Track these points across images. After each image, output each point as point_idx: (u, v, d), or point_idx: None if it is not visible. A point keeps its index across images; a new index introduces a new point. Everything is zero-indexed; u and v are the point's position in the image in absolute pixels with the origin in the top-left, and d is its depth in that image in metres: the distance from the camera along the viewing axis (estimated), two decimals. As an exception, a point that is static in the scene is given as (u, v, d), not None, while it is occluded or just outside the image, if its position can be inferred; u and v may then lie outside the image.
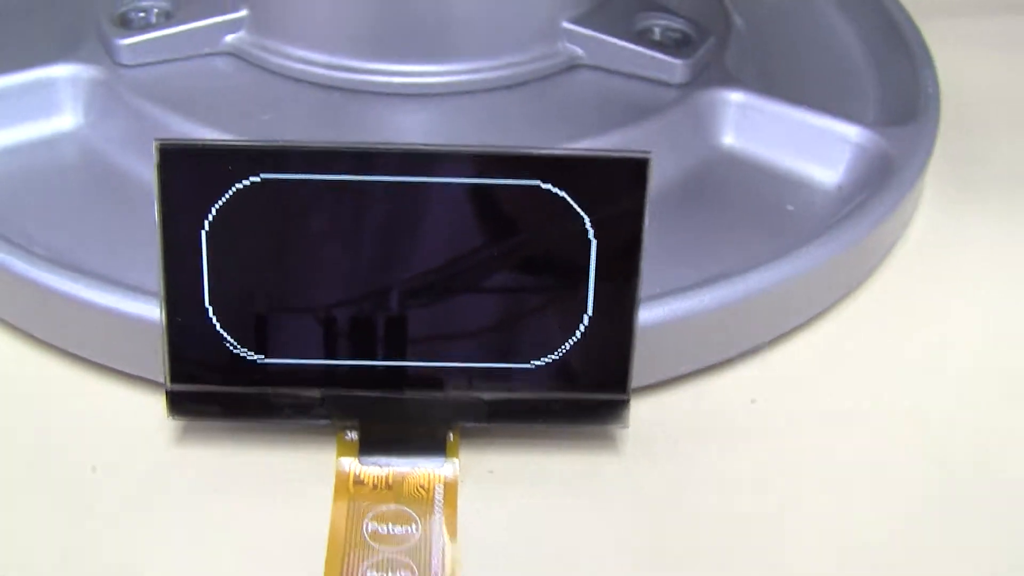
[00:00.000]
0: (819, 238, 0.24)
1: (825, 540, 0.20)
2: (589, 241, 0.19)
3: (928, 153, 0.27)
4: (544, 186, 0.19)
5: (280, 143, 0.19)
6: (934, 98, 0.29)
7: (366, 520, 0.19)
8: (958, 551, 0.20)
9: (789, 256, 0.23)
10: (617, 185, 0.19)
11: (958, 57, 0.33)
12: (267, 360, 0.20)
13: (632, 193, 0.19)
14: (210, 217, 0.19)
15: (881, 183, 0.26)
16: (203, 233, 0.19)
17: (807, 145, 0.27)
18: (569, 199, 0.19)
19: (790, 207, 0.26)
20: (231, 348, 0.20)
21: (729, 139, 0.27)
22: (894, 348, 0.24)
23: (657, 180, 0.25)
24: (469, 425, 0.20)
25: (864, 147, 0.27)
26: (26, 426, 0.21)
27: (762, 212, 0.26)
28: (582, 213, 0.19)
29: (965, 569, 0.19)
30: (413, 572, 0.18)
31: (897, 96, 0.30)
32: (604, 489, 0.20)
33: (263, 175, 0.19)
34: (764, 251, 0.24)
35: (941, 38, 0.32)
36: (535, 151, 0.19)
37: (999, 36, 0.36)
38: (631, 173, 0.19)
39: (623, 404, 0.20)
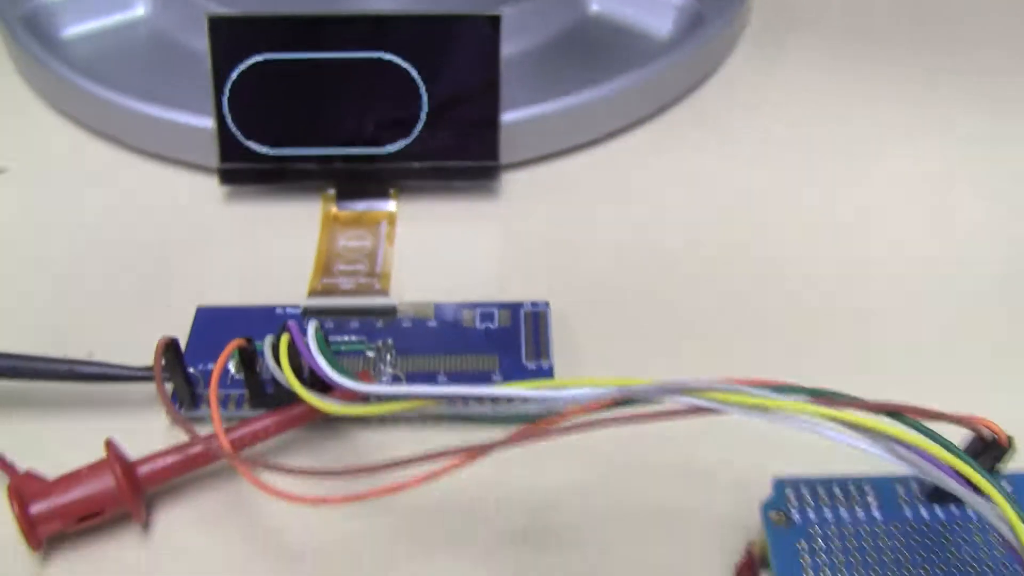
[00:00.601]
0: (639, 67, 0.36)
1: (662, 256, 0.32)
2: (467, 66, 0.32)
3: (732, 13, 0.39)
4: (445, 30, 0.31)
5: (275, 12, 0.31)
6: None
7: (340, 239, 0.32)
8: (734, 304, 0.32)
9: (616, 78, 0.35)
10: (485, 30, 0.31)
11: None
12: (277, 150, 0.32)
13: (494, 35, 0.31)
14: (246, 54, 0.32)
15: (693, 33, 0.38)
16: (237, 73, 0.32)
17: (648, 9, 0.39)
18: (460, 39, 0.31)
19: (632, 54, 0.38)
20: (247, 142, 0.32)
21: (594, 7, 0.39)
22: (694, 149, 0.36)
23: (541, 38, 0.38)
24: (404, 185, 0.33)
25: (685, 9, 0.39)
26: (126, 199, 0.34)
27: (613, 57, 0.38)
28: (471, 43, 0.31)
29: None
30: (365, 264, 0.31)
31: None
32: (489, 222, 0.33)
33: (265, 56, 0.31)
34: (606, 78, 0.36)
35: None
36: (439, 11, 0.32)
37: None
38: (490, 22, 0.31)
39: (496, 169, 0.33)
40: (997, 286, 0.31)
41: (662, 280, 0.31)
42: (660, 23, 0.38)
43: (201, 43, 0.32)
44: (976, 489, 0.20)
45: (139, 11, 0.39)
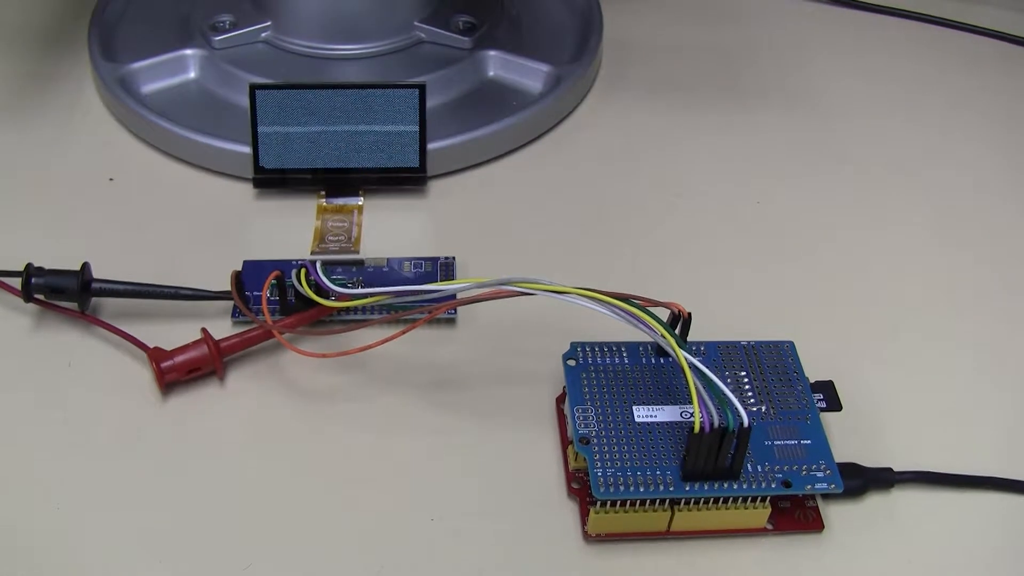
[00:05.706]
0: (520, 112, 0.56)
1: (524, 226, 0.52)
2: (408, 117, 0.52)
3: (581, 76, 0.59)
4: (391, 93, 0.51)
5: (288, 81, 0.51)
6: (592, 50, 0.61)
7: (328, 221, 0.52)
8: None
9: (504, 119, 0.56)
10: (416, 92, 0.52)
11: (627, 21, 0.66)
12: (290, 166, 0.52)
13: (421, 98, 0.52)
14: (269, 108, 0.52)
15: (554, 90, 0.58)
16: (267, 116, 0.52)
17: (526, 75, 0.59)
18: (400, 98, 0.52)
19: (515, 103, 0.59)
20: (270, 161, 0.52)
21: (491, 73, 0.60)
22: (554, 164, 0.57)
23: (453, 94, 0.58)
24: (368, 188, 0.53)
25: (550, 73, 0.59)
26: (185, 195, 0.54)
27: (503, 105, 0.58)
28: (407, 101, 0.52)
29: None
30: (344, 235, 0.51)
31: (577, 47, 0.62)
32: (419, 210, 0.53)
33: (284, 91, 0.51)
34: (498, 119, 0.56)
35: (616, 10, 0.64)
36: (388, 81, 0.52)
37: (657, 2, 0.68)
38: (419, 90, 0.52)
39: (425, 178, 0.53)
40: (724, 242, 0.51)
41: (526, 241, 0.51)
42: (533, 83, 0.59)
43: (229, 95, 0.53)
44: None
45: (191, 75, 0.59)
